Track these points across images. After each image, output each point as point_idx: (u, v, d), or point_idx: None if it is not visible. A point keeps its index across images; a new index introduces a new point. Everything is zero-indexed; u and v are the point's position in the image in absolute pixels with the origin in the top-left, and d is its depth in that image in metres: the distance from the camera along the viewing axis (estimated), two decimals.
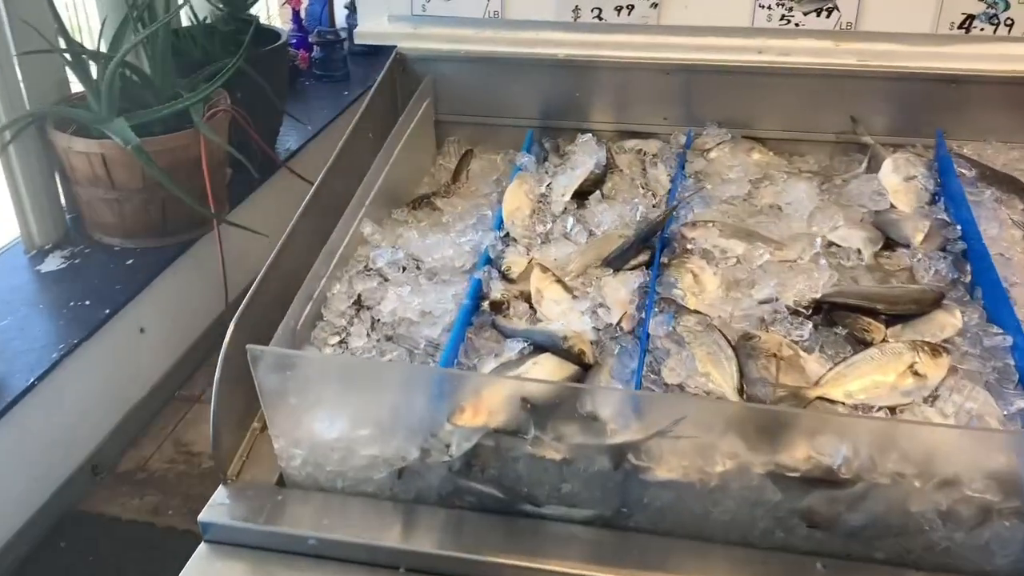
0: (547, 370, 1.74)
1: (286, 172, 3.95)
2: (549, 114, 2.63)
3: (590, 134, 2.51)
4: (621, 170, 2.40)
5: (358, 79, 5.02)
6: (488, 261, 2.06)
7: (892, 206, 2.22)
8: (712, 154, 2.44)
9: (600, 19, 2.52)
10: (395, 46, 2.61)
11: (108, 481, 3.20)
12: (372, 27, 2.64)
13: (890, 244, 2.08)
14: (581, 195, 2.27)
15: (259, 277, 1.85)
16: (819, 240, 2.02)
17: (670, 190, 2.31)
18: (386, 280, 2.04)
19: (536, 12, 2.55)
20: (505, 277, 2.02)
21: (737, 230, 2.07)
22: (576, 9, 2.52)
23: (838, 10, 2.43)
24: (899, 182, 2.26)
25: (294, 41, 4.72)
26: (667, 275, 1.95)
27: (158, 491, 3.38)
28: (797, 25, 2.46)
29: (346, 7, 5.18)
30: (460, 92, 2.64)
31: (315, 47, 4.88)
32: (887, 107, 2.46)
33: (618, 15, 2.51)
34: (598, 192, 2.29)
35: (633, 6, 2.49)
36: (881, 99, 2.46)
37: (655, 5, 2.48)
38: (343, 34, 4.97)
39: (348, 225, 2.12)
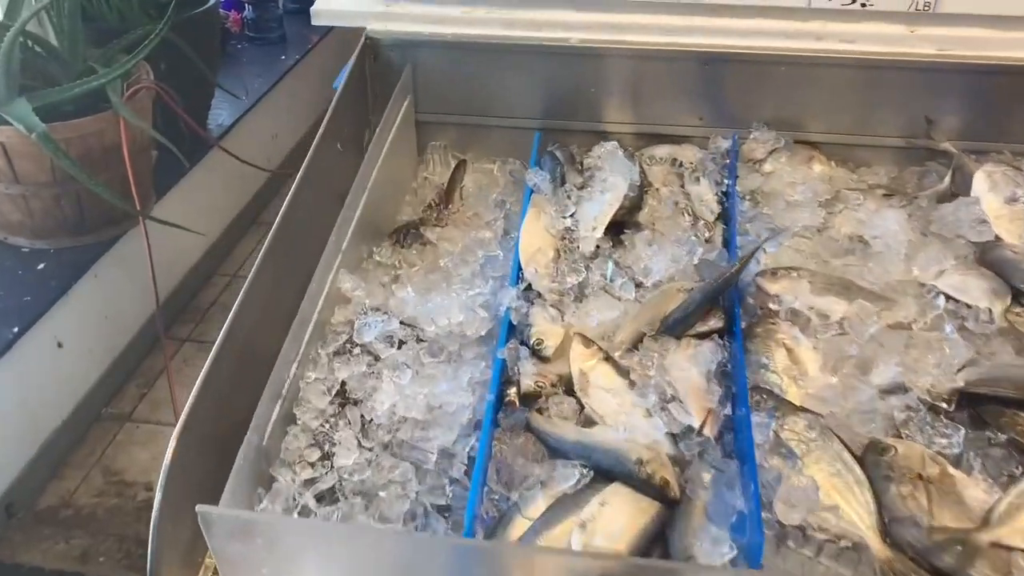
0: (622, 514, 1.21)
1: (220, 150, 3.43)
2: (556, 113, 2.06)
3: (614, 143, 1.95)
4: (656, 188, 1.86)
5: (295, 41, 4.39)
6: (510, 328, 1.51)
7: (997, 237, 1.72)
8: (767, 166, 1.91)
9: None
10: (363, 28, 2.00)
11: (26, 522, 2.75)
12: (333, 3, 2.02)
13: (1015, 293, 1.59)
14: (613, 224, 1.73)
15: (210, 359, 1.32)
16: (940, 298, 1.51)
17: (720, 215, 1.78)
18: (377, 360, 1.48)
19: None
20: (536, 354, 1.48)
21: (830, 281, 1.56)
22: None
23: None
24: (1001, 205, 1.76)
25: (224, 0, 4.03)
26: (753, 350, 1.43)
27: (86, 532, 2.84)
28: (864, 5, 1.92)
29: None
30: (445, 85, 2.05)
31: (247, 6, 4.21)
32: (970, 106, 1.95)
33: None
34: (636, 222, 1.75)
35: None
36: (963, 96, 1.95)
37: None
38: None
39: (323, 280, 1.56)
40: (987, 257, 1.67)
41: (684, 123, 2.04)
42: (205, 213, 3.71)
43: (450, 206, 1.89)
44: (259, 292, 1.49)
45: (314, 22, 2.03)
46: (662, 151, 1.98)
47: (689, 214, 1.77)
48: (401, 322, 1.52)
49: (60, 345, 2.85)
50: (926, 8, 1.91)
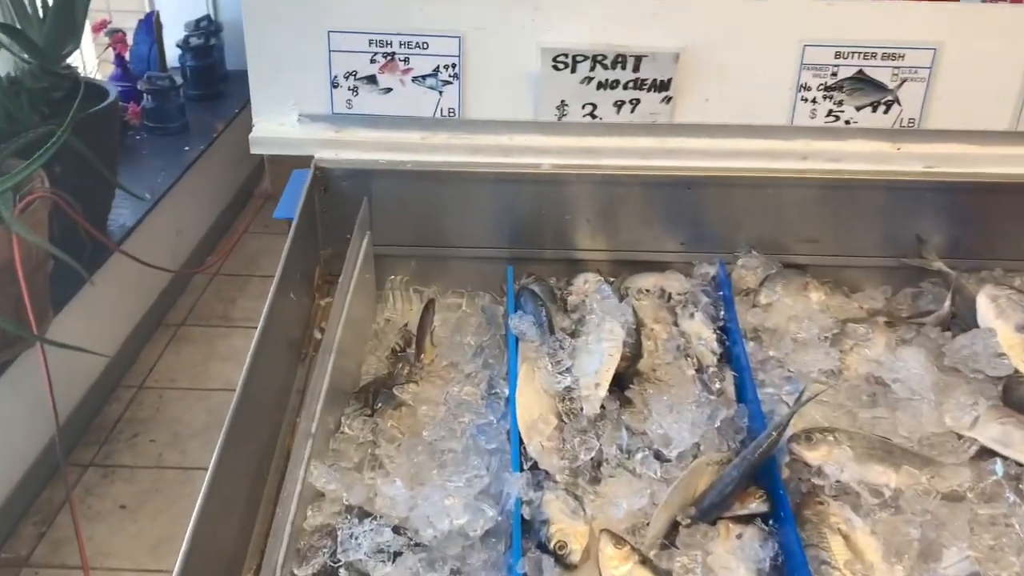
0: None
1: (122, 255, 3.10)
2: (526, 241, 1.81)
3: (598, 278, 1.72)
4: (651, 328, 1.63)
5: (198, 129, 4.05)
6: (522, 527, 1.25)
7: (1017, 372, 1.56)
8: (762, 297, 1.71)
9: (595, 117, 1.73)
10: (311, 156, 1.72)
11: None
12: (273, 130, 1.74)
13: None
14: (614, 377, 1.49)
15: None
16: (997, 464, 1.33)
17: (724, 355, 1.57)
18: None
19: (507, 110, 1.73)
20: (560, 561, 1.22)
21: (871, 445, 1.36)
22: (562, 105, 1.72)
23: (899, 103, 1.75)
24: (1013, 334, 1.61)
25: (120, 90, 3.67)
26: (805, 539, 1.21)
27: None
28: (848, 123, 1.76)
29: (178, 45, 4.14)
30: (405, 216, 1.79)
31: (146, 95, 3.84)
32: (959, 223, 1.81)
33: (618, 112, 1.73)
34: (637, 371, 1.52)
35: (639, 100, 1.72)
36: (952, 213, 1.81)
37: (668, 100, 1.72)
38: (178, 78, 3.94)
39: (293, 481, 1.26)
40: (1013, 396, 1.51)
41: (664, 248, 1.83)
42: (108, 322, 3.33)
43: (422, 356, 1.63)
44: (221, 491, 1.20)
45: (253, 150, 1.74)
46: (647, 282, 1.76)
47: (692, 358, 1.55)
48: (393, 529, 1.24)
49: None
50: (910, 124, 1.77)
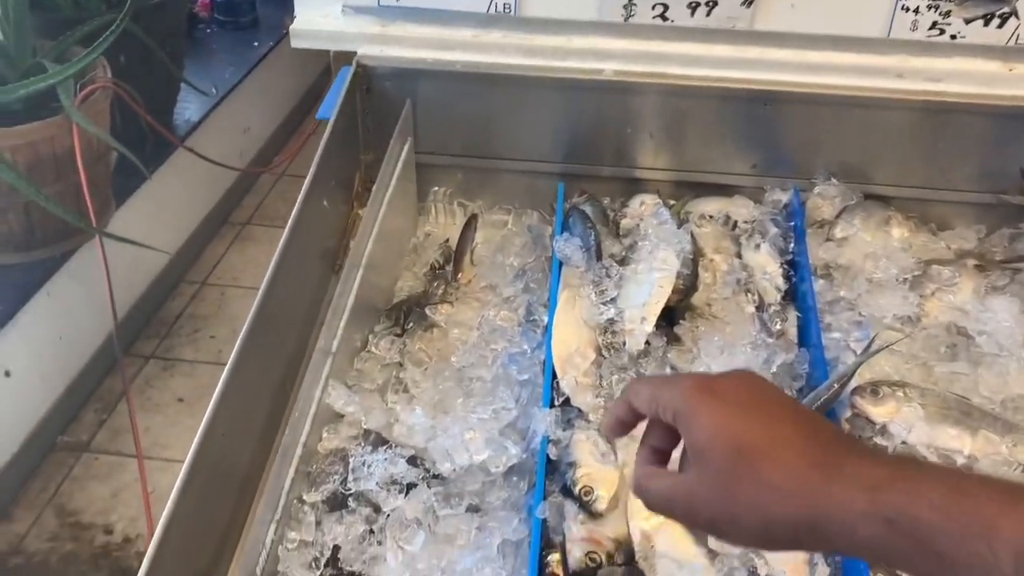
0: None
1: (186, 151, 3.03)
2: (582, 156, 1.65)
3: (657, 200, 1.56)
4: (710, 259, 1.47)
5: (269, 25, 3.91)
6: (547, 467, 1.13)
7: None
8: (838, 231, 1.53)
9: (665, 19, 1.54)
10: (354, 53, 1.58)
11: None
12: (316, 21, 1.59)
13: None
14: (664, 311, 1.34)
15: (175, 492, 0.96)
16: None
17: (789, 293, 1.40)
18: (378, 512, 1.10)
19: (568, 8, 1.55)
20: (586, 507, 1.10)
21: (945, 404, 1.19)
22: (629, 5, 1.53)
23: (1016, 16, 1.52)
24: None
25: None
26: None
27: None
28: (954, 38, 1.53)
29: None
30: (451, 122, 1.64)
31: None
32: None
33: (692, 14, 1.53)
34: (690, 305, 1.37)
35: (715, 2, 1.52)
36: None
37: (749, 3, 1.52)
38: None
39: (309, 396, 1.16)
40: None
41: (733, 171, 1.64)
42: (171, 218, 3.29)
43: (459, 276, 1.50)
44: (236, 395, 1.11)
45: (294, 44, 1.60)
46: (711, 206, 1.59)
47: (752, 293, 1.39)
48: (409, 459, 1.13)
49: (7, 374, 2.48)
50: None
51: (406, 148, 1.52)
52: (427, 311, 1.41)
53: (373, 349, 1.35)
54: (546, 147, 1.65)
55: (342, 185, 1.59)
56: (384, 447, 1.15)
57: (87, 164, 2.50)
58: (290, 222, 1.31)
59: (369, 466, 1.10)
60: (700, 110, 1.61)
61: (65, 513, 2.69)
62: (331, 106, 1.53)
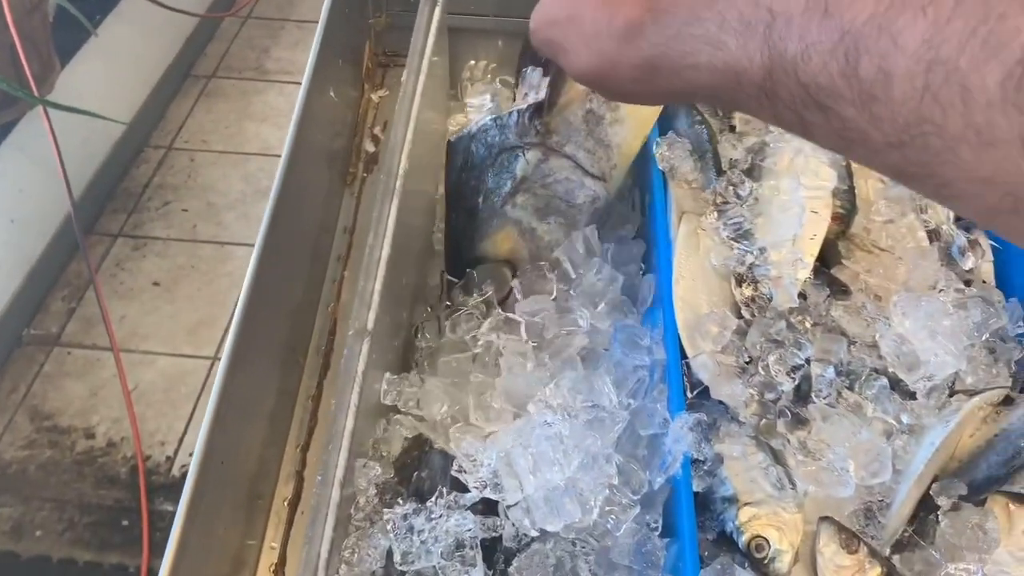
0: None
1: None
2: None
3: None
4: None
5: None
6: (694, 502, 0.74)
7: None
8: None
9: None
10: None
11: None
12: None
13: None
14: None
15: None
16: None
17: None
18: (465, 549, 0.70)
19: None
20: (758, 566, 0.72)
21: None
22: None
23: None
24: None
25: None
26: None
27: (16, 497, 2.14)
28: None
29: None
30: None
31: None
32: None
33: None
34: (849, 236, 0.94)
35: None
36: None
37: None
38: None
39: (347, 386, 0.74)
40: None
41: None
42: (125, 75, 2.74)
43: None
44: (237, 391, 0.70)
45: None
46: None
47: (925, 213, 0.97)
48: (483, 506, 0.72)
49: None
50: None
51: (438, 8, 1.03)
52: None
53: (449, 332, 0.88)
54: None
55: (349, 61, 1.11)
56: (435, 497, 0.73)
57: (18, 18, 2.01)
58: (293, 127, 0.85)
59: (420, 532, 0.69)
60: None
61: (40, 416, 2.32)
62: None
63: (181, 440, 2.21)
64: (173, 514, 0.64)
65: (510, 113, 0.91)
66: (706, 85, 0.47)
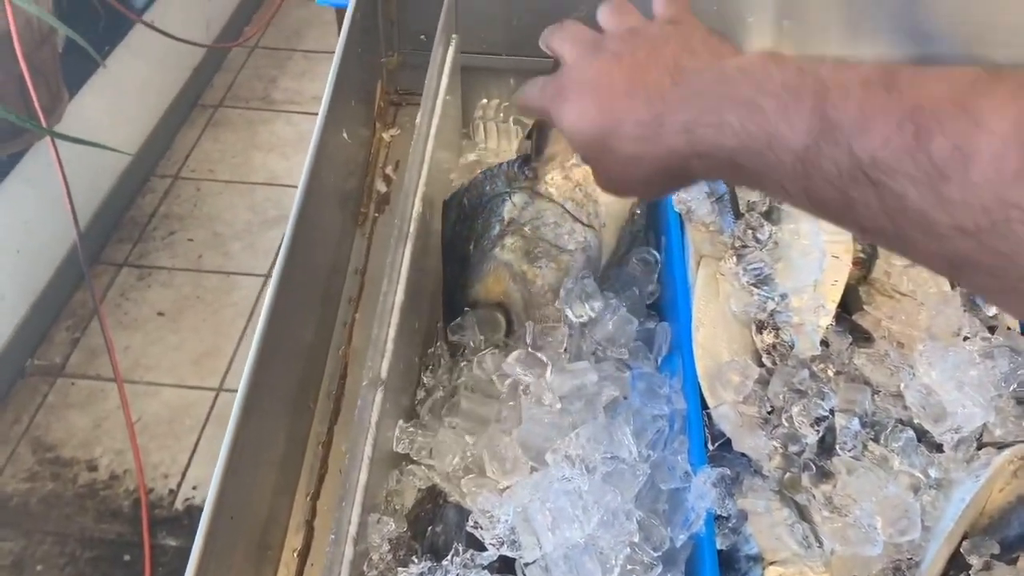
0: None
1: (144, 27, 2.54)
2: None
3: None
4: None
5: None
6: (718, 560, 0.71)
7: None
8: None
9: None
10: None
11: None
12: None
13: None
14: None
15: None
16: None
17: None
18: None
19: None
20: None
21: None
22: None
23: None
24: None
25: None
26: None
27: (17, 529, 2.10)
28: None
29: None
30: (502, 8, 1.12)
31: None
32: None
33: None
34: (870, 280, 0.91)
35: None
36: None
37: None
38: None
39: (360, 436, 0.72)
40: None
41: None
42: (133, 105, 2.74)
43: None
44: (254, 432, 0.67)
45: None
46: None
47: None
48: (499, 565, 0.69)
49: None
50: None
51: (452, 47, 1.01)
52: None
53: (475, 369, 0.85)
54: None
55: (361, 101, 1.09)
56: (451, 556, 0.70)
57: (28, 50, 2.01)
58: (307, 167, 0.83)
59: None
60: None
61: (43, 447, 2.29)
62: None
63: (184, 473, 2.18)
64: (175, 548, 0.62)
65: (500, 164, 0.92)
66: (725, 147, 0.45)
